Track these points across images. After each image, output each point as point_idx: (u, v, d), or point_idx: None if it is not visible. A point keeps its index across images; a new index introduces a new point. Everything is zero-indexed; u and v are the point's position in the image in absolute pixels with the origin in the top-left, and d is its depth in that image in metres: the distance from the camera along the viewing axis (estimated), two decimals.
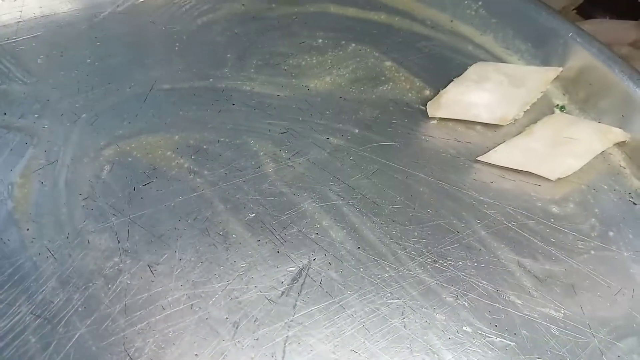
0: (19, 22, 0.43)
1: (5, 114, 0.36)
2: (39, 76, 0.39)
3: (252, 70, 0.41)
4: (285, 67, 0.41)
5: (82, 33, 0.42)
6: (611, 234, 0.34)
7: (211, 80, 0.40)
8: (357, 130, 0.38)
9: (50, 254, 0.30)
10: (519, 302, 0.30)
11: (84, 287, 0.29)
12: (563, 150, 0.36)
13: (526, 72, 0.40)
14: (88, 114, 0.37)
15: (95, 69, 0.40)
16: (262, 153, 0.36)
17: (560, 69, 0.40)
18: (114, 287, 0.29)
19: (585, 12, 0.51)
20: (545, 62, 0.43)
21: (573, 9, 0.51)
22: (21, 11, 0.43)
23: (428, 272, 0.31)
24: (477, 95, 0.38)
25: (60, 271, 0.29)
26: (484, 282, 0.31)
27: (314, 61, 0.42)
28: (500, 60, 0.44)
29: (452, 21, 0.47)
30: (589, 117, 0.40)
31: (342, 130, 0.38)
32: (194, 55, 0.41)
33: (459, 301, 0.30)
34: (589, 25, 0.47)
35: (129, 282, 0.29)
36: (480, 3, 0.45)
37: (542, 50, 0.43)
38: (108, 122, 0.36)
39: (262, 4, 0.46)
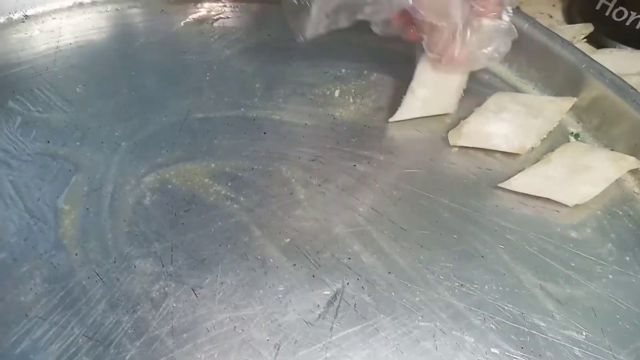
0: (56, 52, 0.45)
1: (48, 142, 0.38)
2: (78, 105, 0.41)
3: (281, 100, 0.43)
4: (312, 97, 0.43)
5: (117, 62, 0.44)
6: (627, 258, 0.36)
7: (242, 109, 0.42)
8: (382, 157, 0.40)
9: (98, 278, 0.31)
10: (543, 324, 0.32)
11: (132, 309, 0.30)
12: (580, 178, 0.38)
13: (542, 103, 0.42)
14: (127, 142, 0.38)
15: (132, 98, 0.41)
16: (293, 180, 0.38)
17: (575, 99, 0.42)
18: (161, 309, 0.30)
19: (596, 41, 0.53)
20: (559, 91, 0.45)
21: (583, 38, 0.53)
22: (58, 41, 0.46)
23: (456, 295, 0.33)
24: (497, 126, 0.40)
25: (109, 295, 0.31)
26: (509, 306, 0.33)
27: (339, 90, 0.44)
28: (515, 88, 0.46)
29: None
30: (603, 144, 0.42)
31: (367, 157, 0.40)
32: (225, 85, 0.43)
33: (486, 324, 0.32)
34: (600, 54, 0.49)
35: (174, 305, 0.31)
36: None
37: (556, 79, 0.45)
38: (147, 150, 0.38)
39: (287, 35, 0.48)
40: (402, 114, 0.42)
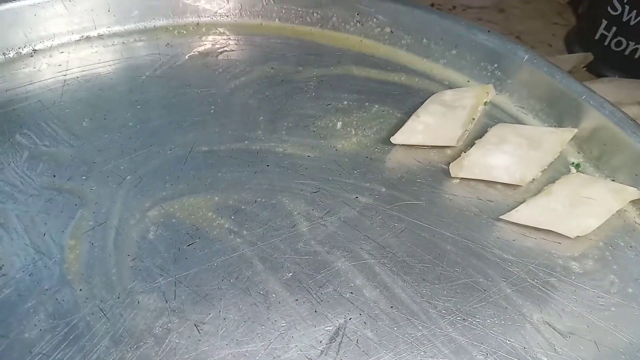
0: (63, 85, 0.46)
1: (54, 176, 0.39)
2: (84, 139, 0.41)
3: (284, 132, 0.43)
4: (314, 129, 0.44)
5: (123, 96, 0.45)
6: (630, 290, 0.36)
7: (246, 142, 0.42)
8: (384, 189, 0.40)
9: (102, 313, 0.32)
10: (546, 359, 0.32)
11: (135, 346, 0.30)
12: (581, 209, 0.38)
13: (543, 134, 0.42)
14: (132, 176, 0.39)
15: (137, 131, 0.42)
16: (296, 212, 0.38)
17: (576, 130, 0.43)
18: (164, 346, 0.30)
19: (596, 69, 0.53)
20: (560, 121, 0.45)
21: (583, 67, 0.53)
22: (65, 75, 0.46)
23: (458, 330, 0.33)
24: (498, 158, 0.40)
25: (112, 330, 0.31)
26: (511, 340, 0.32)
27: (341, 122, 0.45)
28: (516, 118, 0.47)
29: (468, 81, 0.49)
30: (604, 174, 0.43)
31: (369, 189, 0.40)
32: (229, 118, 0.44)
33: (489, 359, 0.32)
34: (600, 84, 0.50)
35: (177, 341, 0.31)
36: (496, 65, 0.48)
37: (556, 109, 0.46)
38: (151, 184, 0.39)
39: (290, 67, 0.49)
40: (402, 135, 0.43)
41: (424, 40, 0.51)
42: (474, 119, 0.44)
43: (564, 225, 0.38)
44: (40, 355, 0.30)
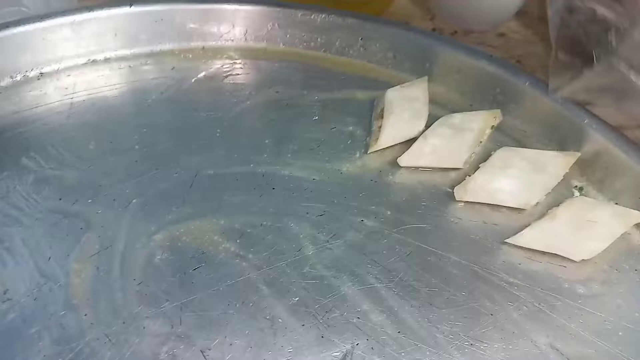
0: (70, 108, 0.46)
1: (60, 199, 0.39)
2: (90, 162, 0.42)
3: (289, 156, 0.44)
4: (320, 152, 0.44)
5: (129, 119, 0.45)
6: (637, 314, 0.36)
7: (252, 165, 0.42)
8: (389, 212, 0.40)
9: (108, 339, 0.31)
10: None
11: None
12: (586, 233, 0.38)
13: (547, 158, 0.42)
14: (138, 200, 0.39)
15: (143, 154, 0.42)
16: (301, 236, 0.38)
17: (579, 154, 0.43)
18: None
19: None
20: (562, 145, 0.46)
21: None
22: (72, 98, 0.47)
23: (466, 355, 0.33)
24: (503, 182, 0.40)
25: (118, 356, 0.31)
26: None
27: (345, 145, 0.45)
28: (518, 142, 0.47)
29: (471, 105, 0.50)
30: (607, 197, 0.43)
31: (375, 212, 0.40)
32: (235, 141, 0.44)
33: None
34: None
35: None
36: (498, 90, 0.49)
37: (558, 133, 0.46)
38: (157, 208, 0.39)
39: (295, 91, 0.49)
40: (409, 156, 0.43)
41: (427, 64, 0.51)
42: (480, 142, 0.44)
43: (569, 249, 0.38)
44: None
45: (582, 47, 0.41)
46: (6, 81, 0.47)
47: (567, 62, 0.43)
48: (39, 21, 0.48)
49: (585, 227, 0.38)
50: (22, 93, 0.47)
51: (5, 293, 0.33)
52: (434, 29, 0.62)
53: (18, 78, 0.48)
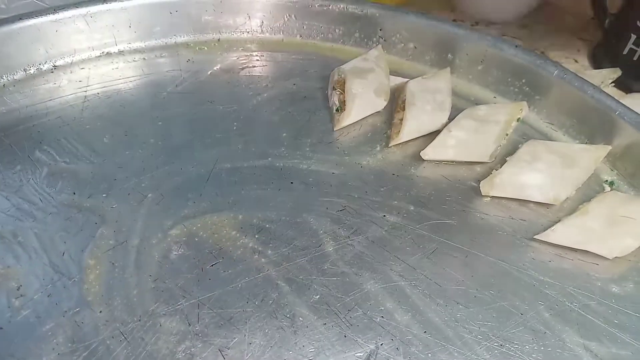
0: (84, 101, 0.45)
1: (74, 193, 0.38)
2: (105, 155, 0.41)
3: (307, 149, 0.42)
4: (338, 145, 0.43)
5: (144, 112, 0.44)
6: None
7: (270, 159, 0.41)
8: (412, 207, 0.39)
9: (123, 337, 0.30)
10: None
11: None
12: (620, 229, 0.36)
13: (576, 151, 0.40)
14: (154, 194, 0.38)
15: (159, 148, 0.41)
16: (321, 231, 0.37)
17: (609, 147, 0.41)
18: None
19: (624, 85, 0.52)
20: (591, 138, 0.44)
21: (611, 82, 0.52)
22: (86, 91, 0.46)
23: (495, 356, 0.31)
24: (530, 176, 0.39)
25: (134, 355, 0.30)
26: None
27: (364, 138, 0.44)
28: (545, 135, 0.45)
29: (495, 97, 0.48)
30: (639, 192, 0.41)
31: (397, 208, 0.39)
32: (252, 135, 0.43)
33: None
34: (630, 99, 0.48)
35: None
36: (523, 81, 0.47)
37: (587, 126, 0.44)
38: (173, 202, 0.37)
39: (312, 84, 0.48)
40: (433, 150, 0.41)
41: (449, 55, 0.50)
42: (507, 135, 0.42)
43: (602, 246, 0.36)
44: None
45: None
46: (20, 74, 0.46)
47: None
48: (52, 13, 0.47)
49: (618, 223, 0.37)
50: (35, 86, 0.46)
51: (18, 289, 0.32)
52: (454, 20, 0.60)
53: (32, 71, 0.47)
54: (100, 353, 0.30)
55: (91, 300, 0.32)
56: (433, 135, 0.43)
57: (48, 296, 0.32)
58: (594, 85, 0.44)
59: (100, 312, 0.32)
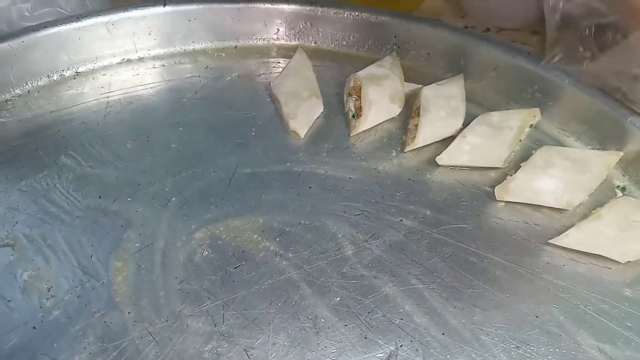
0: (107, 107, 0.46)
1: (100, 197, 0.39)
2: (128, 160, 0.42)
3: (324, 154, 0.43)
4: (354, 151, 0.44)
5: (165, 118, 0.45)
6: None
7: (288, 164, 0.42)
8: (428, 212, 0.40)
9: (152, 337, 0.31)
10: None
11: None
12: (632, 234, 0.37)
13: (589, 157, 0.41)
14: (177, 198, 0.39)
15: (180, 153, 0.42)
16: (340, 235, 0.38)
17: (622, 153, 0.42)
18: None
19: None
20: (603, 144, 0.45)
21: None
22: (108, 97, 0.47)
23: (512, 358, 0.32)
24: (545, 182, 0.39)
25: (162, 355, 0.31)
26: None
27: (381, 144, 0.45)
28: (557, 141, 0.46)
29: (508, 103, 0.49)
30: None
31: (414, 212, 0.40)
32: (270, 140, 0.44)
33: None
34: None
35: None
36: (536, 87, 0.48)
37: (599, 132, 0.45)
38: (197, 206, 0.39)
39: (327, 89, 0.49)
40: (448, 155, 0.42)
41: (461, 62, 0.50)
42: (520, 141, 0.43)
43: (615, 250, 0.37)
44: None
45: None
46: (43, 81, 0.48)
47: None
48: (75, 21, 0.48)
49: (630, 228, 0.37)
50: (59, 92, 0.47)
51: (49, 290, 0.33)
52: (465, 27, 0.61)
53: (55, 77, 0.48)
54: (129, 352, 0.31)
55: (119, 301, 0.33)
56: (447, 140, 0.44)
57: (78, 297, 0.33)
58: (605, 91, 0.44)
59: (129, 312, 0.33)
